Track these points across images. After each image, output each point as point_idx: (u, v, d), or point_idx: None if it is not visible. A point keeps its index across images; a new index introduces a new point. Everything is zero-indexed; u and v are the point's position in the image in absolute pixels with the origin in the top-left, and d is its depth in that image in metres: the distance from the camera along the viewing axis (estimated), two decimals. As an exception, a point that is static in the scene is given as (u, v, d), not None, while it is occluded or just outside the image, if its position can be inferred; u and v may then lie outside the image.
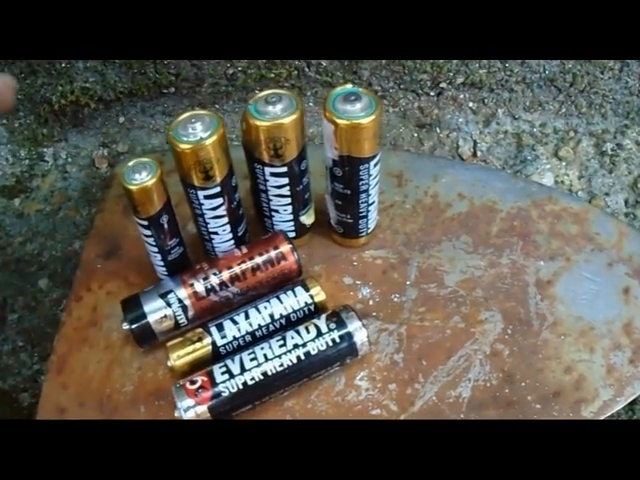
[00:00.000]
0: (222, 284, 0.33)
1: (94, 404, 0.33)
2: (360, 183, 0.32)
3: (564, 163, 0.45)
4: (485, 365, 0.33)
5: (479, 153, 0.46)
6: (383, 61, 0.44)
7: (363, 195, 0.33)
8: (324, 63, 0.44)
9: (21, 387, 0.40)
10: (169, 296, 0.33)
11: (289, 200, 0.34)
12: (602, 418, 0.32)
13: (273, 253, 0.34)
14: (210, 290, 0.33)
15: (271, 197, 0.33)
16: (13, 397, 0.39)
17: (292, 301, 0.33)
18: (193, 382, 0.30)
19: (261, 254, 0.34)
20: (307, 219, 0.36)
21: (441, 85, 0.45)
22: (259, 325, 0.32)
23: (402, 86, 0.46)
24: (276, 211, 0.34)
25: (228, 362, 0.30)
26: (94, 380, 0.33)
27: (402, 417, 0.32)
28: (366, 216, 0.35)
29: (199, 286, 0.33)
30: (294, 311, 0.33)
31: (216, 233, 0.34)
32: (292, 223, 0.35)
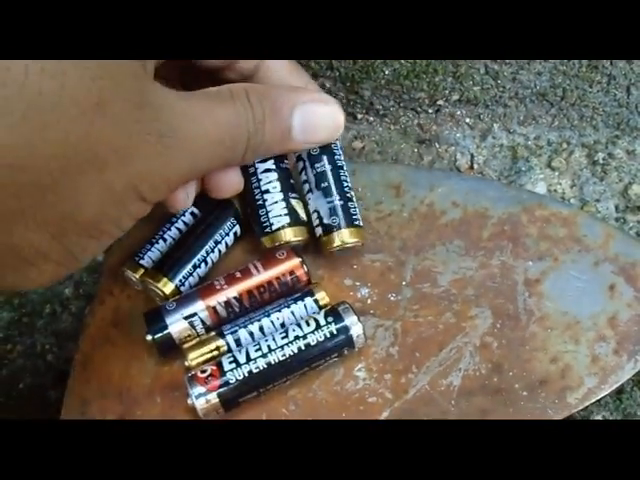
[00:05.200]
0: (242, 307, 0.36)
1: (115, 396, 0.36)
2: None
3: (557, 173, 0.48)
4: (475, 356, 0.36)
5: (476, 166, 0.49)
6: (382, 81, 0.47)
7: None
8: (327, 84, 0.47)
9: (49, 385, 0.43)
10: (193, 319, 0.35)
11: (276, 175, 0.36)
12: (587, 404, 0.34)
13: (289, 278, 0.36)
14: (230, 312, 0.36)
15: (260, 177, 0.36)
16: (41, 394, 0.43)
17: (302, 312, 0.36)
18: (203, 371, 0.33)
19: (278, 279, 0.36)
20: (300, 209, 0.38)
21: (438, 102, 0.48)
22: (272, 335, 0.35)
23: (402, 104, 0.49)
24: (267, 191, 0.36)
25: (235, 353, 0.33)
26: (115, 375, 0.36)
27: (396, 404, 0.34)
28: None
29: (221, 310, 0.36)
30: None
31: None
32: (284, 204, 0.37)
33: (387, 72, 0.46)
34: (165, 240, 0.38)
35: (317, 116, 0.33)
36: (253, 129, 0.30)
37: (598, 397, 0.35)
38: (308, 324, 0.34)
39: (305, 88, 0.35)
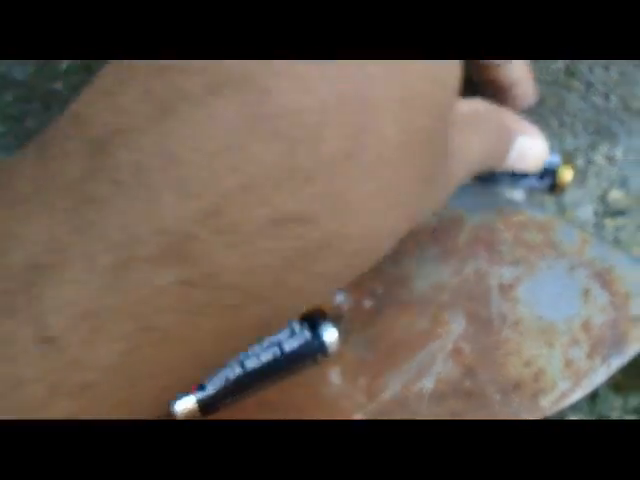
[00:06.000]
0: None
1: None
2: None
3: (536, 179, 0.48)
4: (448, 361, 0.36)
5: (456, 172, 0.49)
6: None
7: None
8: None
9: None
10: None
11: None
12: (561, 407, 0.35)
13: None
14: None
15: None
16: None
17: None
18: (179, 378, 0.33)
19: None
20: None
21: (418, 111, 0.49)
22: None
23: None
24: None
25: (211, 360, 0.34)
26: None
27: (369, 407, 0.35)
28: None
29: None
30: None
31: None
32: None
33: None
34: None
35: (531, 149, 0.36)
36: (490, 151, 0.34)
37: (572, 400, 0.35)
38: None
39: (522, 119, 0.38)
